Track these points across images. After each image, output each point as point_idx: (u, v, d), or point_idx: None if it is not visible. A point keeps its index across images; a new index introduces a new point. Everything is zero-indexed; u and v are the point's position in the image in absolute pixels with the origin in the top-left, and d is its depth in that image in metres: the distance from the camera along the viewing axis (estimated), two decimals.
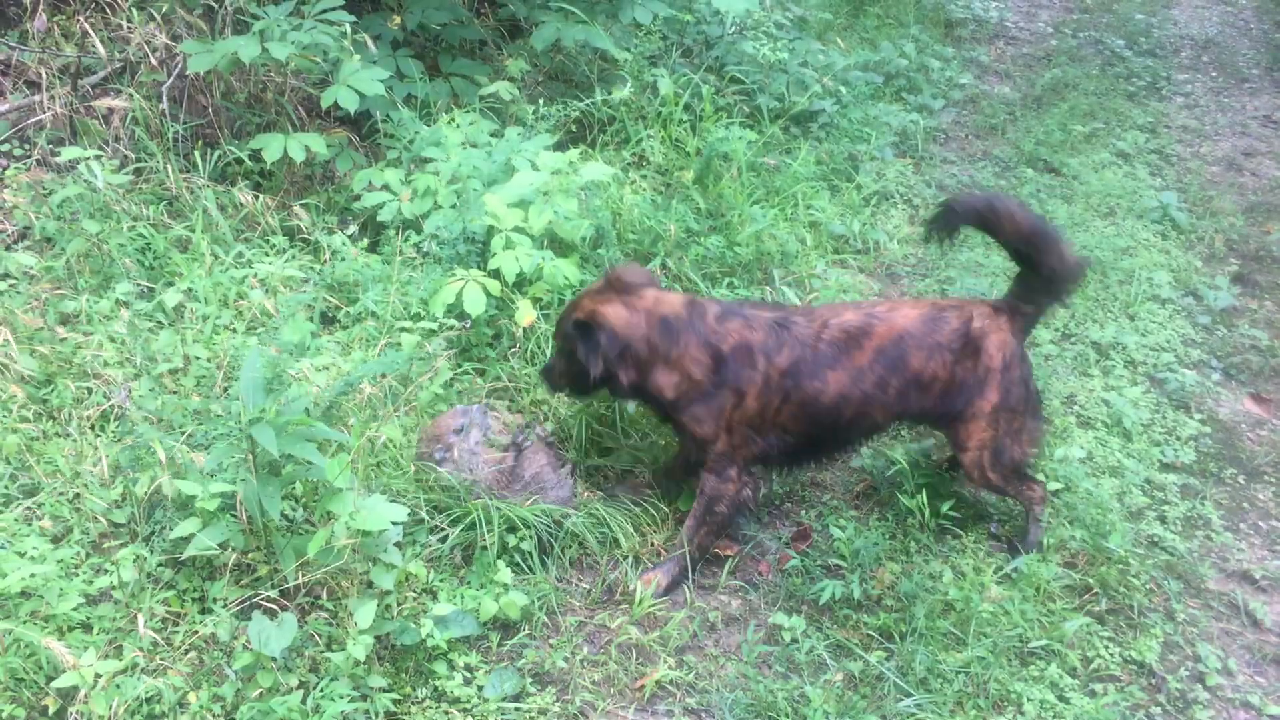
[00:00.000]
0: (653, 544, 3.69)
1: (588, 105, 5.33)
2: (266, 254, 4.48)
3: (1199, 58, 9.39)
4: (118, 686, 2.78)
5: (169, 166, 4.64)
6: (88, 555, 3.17)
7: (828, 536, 3.75)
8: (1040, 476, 3.85)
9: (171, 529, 3.04)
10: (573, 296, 3.84)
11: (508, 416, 3.83)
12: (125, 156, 4.72)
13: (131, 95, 4.76)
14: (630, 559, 3.62)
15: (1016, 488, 3.73)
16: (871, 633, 3.39)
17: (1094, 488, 3.92)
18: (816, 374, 3.48)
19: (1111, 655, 3.37)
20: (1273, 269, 5.91)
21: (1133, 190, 6.48)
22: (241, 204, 4.65)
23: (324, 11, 4.78)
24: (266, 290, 4.19)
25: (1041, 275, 3.58)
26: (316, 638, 3.04)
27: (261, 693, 2.87)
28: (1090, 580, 3.59)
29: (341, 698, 2.87)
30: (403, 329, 4.02)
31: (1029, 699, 3.17)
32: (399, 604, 3.19)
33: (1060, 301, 3.72)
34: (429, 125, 5.03)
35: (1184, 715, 3.22)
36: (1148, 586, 3.64)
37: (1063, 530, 3.75)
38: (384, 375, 3.75)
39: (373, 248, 4.67)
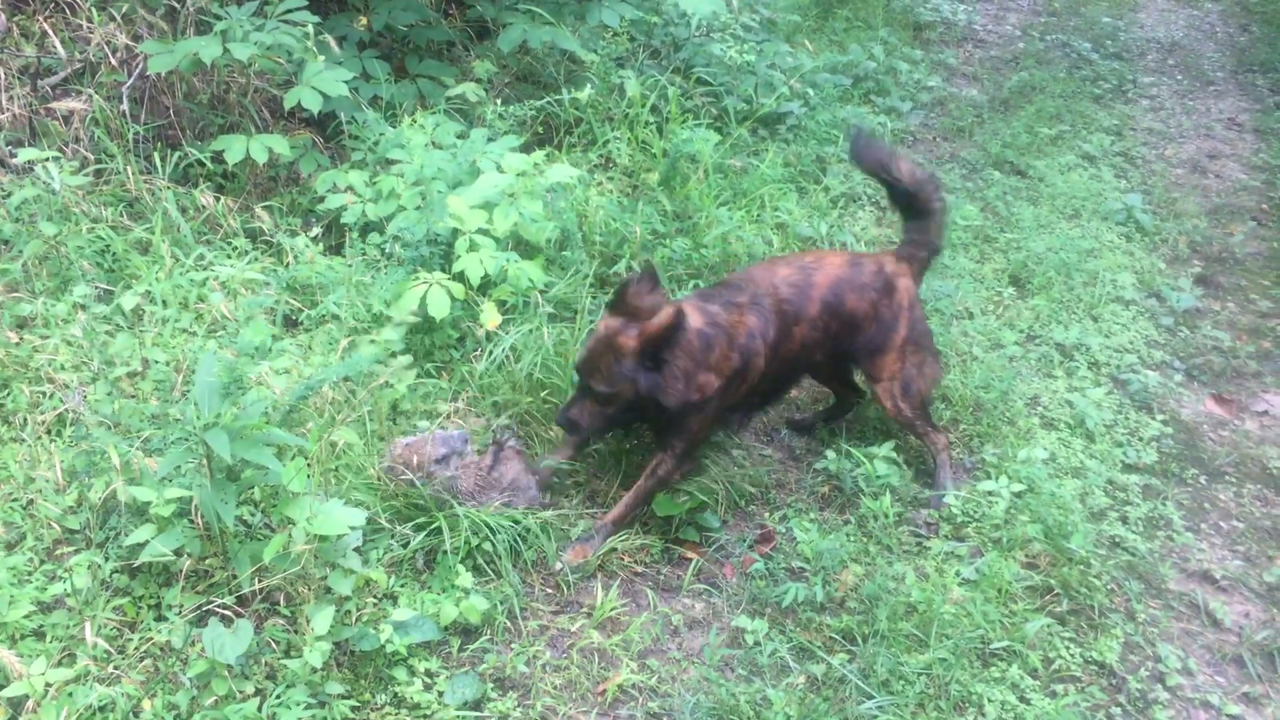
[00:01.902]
0: (615, 550, 3.67)
1: (546, 104, 5.31)
2: (228, 256, 4.43)
3: (1165, 61, 9.48)
4: (69, 695, 2.74)
5: (129, 168, 4.58)
6: (41, 562, 3.13)
7: (791, 539, 3.75)
8: (944, 426, 4.23)
9: (126, 535, 3.01)
10: (594, 332, 3.62)
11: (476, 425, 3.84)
12: (85, 158, 4.66)
13: (91, 96, 4.70)
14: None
15: (924, 427, 4.07)
16: (834, 635, 3.39)
17: (1056, 489, 3.93)
18: (790, 335, 3.78)
19: (1072, 656, 3.39)
20: (1235, 271, 5.97)
21: (1098, 192, 6.53)
22: (203, 206, 4.60)
23: (288, 12, 4.75)
24: (227, 293, 4.14)
25: (930, 221, 4.10)
26: (273, 644, 3.01)
27: (216, 700, 2.84)
28: (1052, 581, 3.60)
29: (298, 705, 2.84)
30: (366, 331, 3.99)
31: (990, 700, 3.18)
32: (358, 609, 3.17)
33: (939, 247, 4.24)
34: (394, 127, 5.00)
35: (1144, 715, 3.24)
36: (1109, 587, 3.65)
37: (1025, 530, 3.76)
38: (345, 379, 3.72)
39: (337, 250, 4.64)
